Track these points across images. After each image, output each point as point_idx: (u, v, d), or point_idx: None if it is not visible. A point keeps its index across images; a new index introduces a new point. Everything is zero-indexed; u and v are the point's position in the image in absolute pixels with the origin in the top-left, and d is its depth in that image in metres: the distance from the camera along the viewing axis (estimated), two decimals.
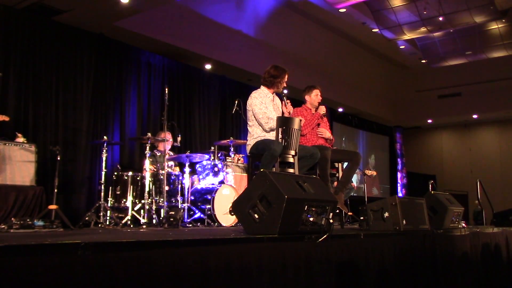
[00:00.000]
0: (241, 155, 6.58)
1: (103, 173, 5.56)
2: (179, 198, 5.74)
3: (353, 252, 2.81)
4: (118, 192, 5.58)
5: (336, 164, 4.77)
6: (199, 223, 5.78)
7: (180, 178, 5.88)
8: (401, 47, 11.66)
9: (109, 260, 1.67)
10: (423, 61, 12.20)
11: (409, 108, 14.32)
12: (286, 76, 4.46)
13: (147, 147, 5.53)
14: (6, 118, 5.02)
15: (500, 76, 12.10)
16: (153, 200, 5.55)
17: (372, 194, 13.30)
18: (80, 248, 1.62)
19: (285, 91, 4.46)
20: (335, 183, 4.69)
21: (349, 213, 6.15)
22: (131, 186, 5.59)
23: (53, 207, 4.86)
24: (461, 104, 13.50)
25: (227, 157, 6.29)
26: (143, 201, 5.46)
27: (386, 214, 3.51)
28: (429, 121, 14.92)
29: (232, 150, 6.36)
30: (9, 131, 5.59)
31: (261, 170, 3.37)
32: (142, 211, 5.44)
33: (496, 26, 9.93)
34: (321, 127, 4.94)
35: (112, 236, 2.73)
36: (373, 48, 11.53)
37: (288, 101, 4.41)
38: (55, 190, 5.08)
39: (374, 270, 2.93)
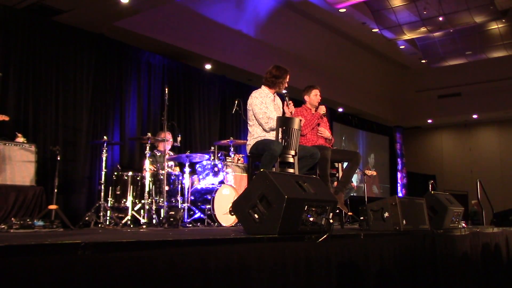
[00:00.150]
0: (241, 155, 6.58)
1: (103, 173, 5.56)
2: (179, 198, 5.74)
3: (353, 252, 2.81)
4: (118, 192, 5.58)
5: (336, 164, 4.77)
6: (199, 223, 5.78)
7: (180, 178, 5.88)
8: (401, 47, 11.66)
9: (109, 260, 1.67)
10: (423, 61, 12.20)
11: (409, 108, 14.32)
12: (288, 77, 4.46)
13: (147, 147, 5.53)
14: (6, 118, 5.02)
15: (500, 76, 12.10)
16: (153, 200, 5.56)
17: (372, 194, 13.30)
18: (80, 248, 1.62)
19: (285, 91, 4.46)
20: (335, 183, 4.69)
21: (349, 213, 6.14)
22: (131, 186, 5.59)
23: (53, 207, 4.86)
24: (461, 104, 13.50)
25: (227, 157, 6.29)
26: (143, 201, 5.46)
27: (386, 214, 3.51)
28: (429, 121, 14.92)
29: (232, 150, 6.36)
30: (9, 131, 5.59)
31: (261, 170, 3.37)
32: (142, 211, 5.44)
33: (496, 26, 9.92)
34: (321, 127, 4.94)
35: (112, 236, 2.73)
36: (373, 48, 11.53)
37: (291, 101, 4.41)
38: (55, 190, 5.08)
39: (374, 270, 2.93)
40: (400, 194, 14.41)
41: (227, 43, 8.67)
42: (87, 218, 5.15)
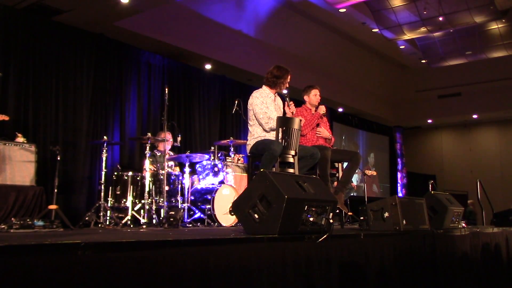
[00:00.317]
0: (241, 155, 6.58)
1: (103, 173, 5.56)
2: (179, 198, 5.74)
3: (353, 252, 2.81)
4: (118, 192, 5.58)
5: (336, 164, 4.77)
6: (199, 223, 5.78)
7: (180, 178, 5.88)
8: (401, 47, 11.65)
9: (109, 260, 1.67)
10: (423, 61, 12.19)
11: (409, 108, 14.31)
12: (289, 77, 4.46)
13: (147, 147, 5.53)
14: (6, 118, 5.02)
15: (500, 76, 12.10)
16: (153, 200, 5.55)
17: (372, 193, 13.30)
18: (80, 248, 1.62)
19: (285, 91, 4.46)
20: (335, 183, 4.69)
21: (349, 213, 6.14)
22: (131, 186, 5.59)
23: (53, 207, 4.86)
24: (461, 104, 13.49)
25: (227, 157, 6.29)
26: (143, 201, 5.46)
27: (386, 214, 3.51)
28: (429, 121, 14.91)
29: (232, 150, 6.36)
30: (9, 131, 5.60)
31: (261, 170, 3.37)
32: (142, 211, 5.44)
33: (496, 26, 9.92)
34: (321, 127, 4.94)
35: (112, 236, 2.73)
36: (373, 48, 11.53)
37: (292, 102, 4.41)
38: (55, 190, 5.08)
39: (374, 270, 2.93)
40: (400, 194, 14.41)
41: (227, 43, 8.66)
42: (87, 218, 5.15)
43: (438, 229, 3.96)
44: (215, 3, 8.11)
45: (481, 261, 4.34)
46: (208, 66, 8.80)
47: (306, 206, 2.70)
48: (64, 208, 5.40)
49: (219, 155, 6.22)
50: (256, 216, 2.63)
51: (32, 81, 6.22)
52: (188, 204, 5.69)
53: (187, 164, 5.84)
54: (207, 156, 6.17)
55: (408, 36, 10.12)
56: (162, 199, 5.57)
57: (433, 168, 15.25)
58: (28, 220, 4.16)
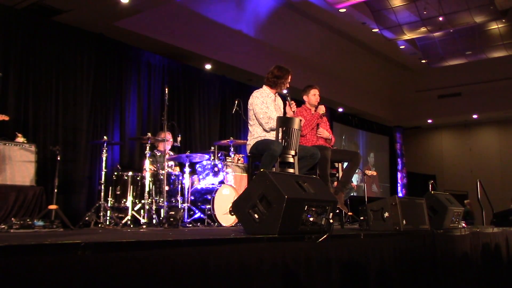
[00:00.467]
0: (241, 155, 6.57)
1: (103, 173, 5.56)
2: (179, 198, 5.74)
3: (353, 252, 2.81)
4: (118, 192, 5.58)
5: (336, 164, 4.77)
6: (199, 223, 5.78)
7: (180, 178, 5.87)
8: (401, 47, 11.65)
9: (109, 260, 1.67)
10: (423, 61, 12.19)
11: (409, 108, 14.31)
12: (290, 77, 4.46)
13: (147, 147, 5.53)
14: (6, 118, 5.02)
15: (500, 76, 12.10)
16: (153, 200, 5.55)
17: (372, 193, 13.30)
18: (80, 248, 1.62)
19: (285, 91, 4.46)
20: (335, 183, 4.69)
21: (349, 213, 6.14)
22: (131, 186, 5.59)
23: (53, 207, 4.86)
24: (461, 104, 13.49)
25: (227, 157, 6.29)
26: (143, 201, 5.46)
27: (386, 214, 3.51)
28: (429, 121, 14.91)
29: (232, 150, 6.36)
30: (9, 131, 5.60)
31: (261, 170, 3.37)
32: (142, 211, 5.44)
33: (496, 26, 9.92)
34: (321, 127, 4.94)
35: (112, 236, 2.73)
36: (373, 48, 11.53)
37: (293, 102, 4.41)
38: (55, 190, 5.08)
39: (374, 270, 2.93)
40: (400, 194, 14.41)
41: (227, 43, 8.66)
42: (87, 218, 5.15)
43: (438, 229, 3.96)
44: (215, 3, 8.11)
45: (481, 261, 4.34)
46: (208, 66, 8.80)
47: (306, 206, 2.70)
48: (64, 208, 5.40)
49: (219, 155, 6.22)
50: (256, 216, 2.63)
51: (32, 81, 6.22)
52: (188, 204, 5.69)
53: (187, 164, 5.84)
54: (207, 156, 6.17)
55: (408, 36, 10.11)
56: (162, 199, 5.57)
57: (433, 168, 15.26)
58: (28, 220, 4.16)
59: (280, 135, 4.07)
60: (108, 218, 5.36)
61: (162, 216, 5.45)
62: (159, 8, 7.15)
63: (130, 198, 5.54)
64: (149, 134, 5.68)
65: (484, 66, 11.99)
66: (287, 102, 4.44)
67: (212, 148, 6.28)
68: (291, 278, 2.32)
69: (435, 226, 4.04)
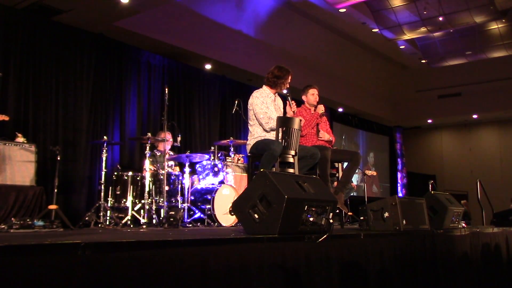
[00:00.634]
0: (241, 155, 6.58)
1: (103, 173, 5.56)
2: (179, 198, 5.74)
3: (353, 252, 2.81)
4: (118, 192, 5.58)
5: (336, 164, 4.77)
6: (199, 223, 5.78)
7: (180, 178, 5.88)
8: (401, 47, 11.65)
9: (109, 260, 1.67)
10: (423, 61, 12.19)
11: (409, 108, 14.31)
12: (290, 77, 4.47)
13: (147, 147, 5.53)
14: (6, 118, 5.02)
15: (500, 76, 12.10)
16: (153, 200, 5.55)
17: (372, 193, 13.30)
18: (80, 248, 1.62)
19: (285, 91, 4.47)
20: (335, 183, 4.69)
21: (349, 213, 6.15)
22: (131, 186, 5.59)
23: (53, 207, 4.86)
24: (461, 104, 13.49)
25: (227, 157, 6.29)
26: (143, 201, 5.46)
27: (386, 214, 3.51)
28: (429, 121, 14.92)
29: (232, 150, 6.36)
30: (9, 131, 5.60)
31: (261, 170, 3.37)
32: (142, 211, 5.44)
33: (496, 26, 9.92)
34: (321, 126, 4.94)
35: (112, 236, 2.73)
36: (373, 48, 11.53)
37: (293, 101, 4.41)
38: (55, 190, 5.08)
39: (374, 270, 2.93)
40: (400, 194, 14.41)
41: (227, 43, 8.66)
42: (87, 218, 5.16)
43: (438, 229, 3.96)
44: (215, 3, 8.11)
45: (481, 261, 4.34)
46: (208, 66, 8.80)
47: (306, 206, 2.70)
48: (64, 208, 5.40)
49: (219, 155, 6.22)
50: (256, 216, 2.63)
51: (32, 81, 6.22)
52: (188, 204, 5.69)
53: (187, 164, 5.84)
54: (207, 156, 6.17)
55: (408, 36, 10.12)
56: (162, 199, 5.57)
57: (433, 168, 15.25)
58: (28, 220, 4.16)
59: (280, 135, 4.07)
60: (108, 218, 5.36)
61: (162, 216, 5.45)
62: (159, 8, 7.15)
63: (130, 198, 5.54)
64: (149, 134, 5.68)
65: (484, 66, 11.99)
66: (287, 102, 4.44)
67: (212, 148, 6.28)
68: (291, 278, 2.32)
69: (435, 226, 4.04)
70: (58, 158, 5.20)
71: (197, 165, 6.38)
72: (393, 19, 9.18)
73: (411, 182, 14.95)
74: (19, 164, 5.21)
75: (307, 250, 2.46)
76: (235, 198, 3.61)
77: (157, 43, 7.70)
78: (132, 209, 5.44)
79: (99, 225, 5.20)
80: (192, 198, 5.93)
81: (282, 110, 4.56)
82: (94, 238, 2.06)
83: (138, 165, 6.85)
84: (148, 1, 6.59)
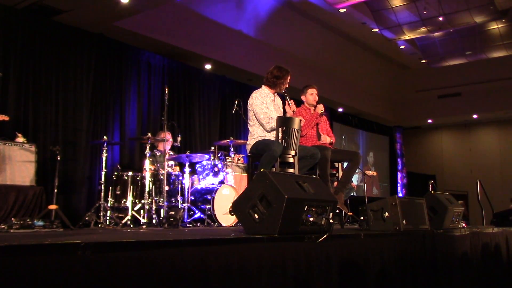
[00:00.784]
0: (241, 155, 6.58)
1: (103, 173, 5.56)
2: (179, 198, 5.74)
3: (353, 252, 2.81)
4: (118, 192, 5.58)
5: (336, 164, 4.77)
6: (199, 223, 5.78)
7: (180, 178, 5.87)
8: (401, 47, 11.65)
9: (109, 260, 1.67)
10: (423, 61, 12.19)
11: (409, 108, 14.32)
12: (289, 77, 4.46)
13: (147, 147, 5.53)
14: (6, 118, 5.02)
15: (500, 76, 12.10)
16: (153, 200, 5.55)
17: (372, 194, 13.30)
18: (80, 248, 1.62)
19: (284, 91, 4.46)
20: (335, 183, 4.69)
21: (349, 213, 6.14)
22: (131, 186, 5.58)
23: (53, 207, 4.86)
24: (461, 104, 13.49)
25: (227, 157, 6.29)
26: (143, 201, 5.45)
27: (386, 214, 3.51)
28: (429, 121, 14.92)
29: (232, 150, 6.36)
30: (9, 131, 5.59)
31: (261, 170, 3.37)
32: (142, 211, 5.44)
33: (496, 26, 9.92)
34: (321, 126, 4.95)
35: (112, 236, 2.73)
36: (373, 48, 11.53)
37: (292, 101, 4.41)
38: (55, 190, 5.08)
39: (374, 270, 2.93)
40: (400, 194, 14.41)
41: (227, 43, 8.66)
42: (87, 218, 5.15)
43: (438, 229, 3.96)
44: (215, 3, 8.11)
45: (481, 261, 4.34)
46: (208, 66, 8.80)
47: (306, 206, 2.70)
48: (64, 208, 5.40)
49: (219, 155, 6.22)
50: (256, 216, 2.63)
51: (32, 81, 6.22)
52: (188, 204, 5.69)
53: (187, 164, 5.84)
54: (207, 156, 6.17)
55: (408, 36, 10.11)
56: (162, 199, 5.57)
57: (433, 168, 15.25)
58: (28, 220, 4.16)
59: (280, 135, 4.07)
60: (108, 218, 5.36)
61: (162, 216, 5.45)
62: (159, 8, 7.15)
63: (130, 198, 5.54)
64: (149, 134, 5.68)
65: (484, 66, 11.99)
66: (286, 102, 4.44)
67: (212, 148, 6.28)
68: (291, 278, 2.32)
69: (435, 226, 4.04)
70: (58, 158, 5.20)
71: (197, 165, 6.38)
72: (393, 19, 9.18)
73: (411, 182, 14.95)
74: (19, 164, 5.21)
75: (307, 250, 2.46)
76: (235, 198, 3.61)
77: (157, 43, 7.70)
78: (132, 209, 5.44)
79: (99, 225, 5.20)
80: (192, 198, 5.93)
81: (281, 110, 4.56)
82: (94, 238, 2.06)
83: (138, 165, 6.85)
84: (148, 1, 6.59)
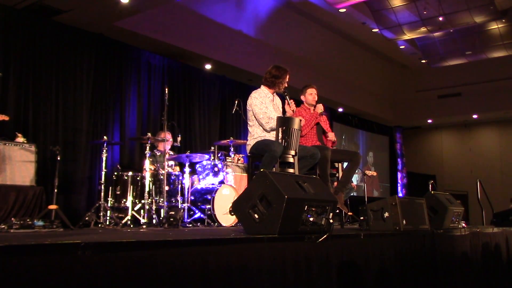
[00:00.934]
0: (241, 155, 6.57)
1: (103, 173, 5.56)
2: (179, 198, 5.74)
3: (353, 252, 2.81)
4: (118, 192, 5.58)
5: (336, 164, 4.77)
6: (199, 223, 5.78)
7: (180, 178, 5.87)
8: (401, 47, 11.65)
9: (109, 260, 1.68)
10: (423, 61, 12.19)
11: (409, 108, 14.32)
12: (288, 77, 4.46)
13: (147, 147, 5.53)
14: (6, 118, 5.01)
15: (500, 76, 12.10)
16: (153, 200, 5.55)
17: (372, 195, 13.30)
18: (80, 248, 1.62)
19: (284, 91, 4.46)
20: (335, 183, 4.69)
21: (349, 213, 6.14)
22: (131, 186, 5.58)
23: (53, 207, 4.86)
24: (461, 104, 13.49)
25: (227, 157, 6.29)
26: (143, 201, 5.45)
27: (386, 214, 3.51)
28: (429, 121, 14.92)
29: (232, 150, 6.36)
30: (9, 131, 5.59)
31: (261, 170, 3.37)
32: (142, 211, 5.44)
33: (496, 26, 9.92)
34: (322, 125, 4.95)
35: (112, 236, 2.73)
36: (373, 48, 11.53)
37: (292, 100, 4.41)
38: (55, 190, 5.08)
39: (374, 270, 2.93)
40: (400, 194, 14.41)
41: (227, 43, 8.66)
42: (87, 218, 5.15)
43: (438, 229, 3.96)
44: (215, 3, 8.11)
45: (481, 261, 4.34)
46: (208, 66, 8.80)
47: (306, 206, 2.70)
48: (64, 208, 5.40)
49: (219, 155, 6.22)
50: (256, 216, 2.63)
51: (32, 81, 6.22)
52: (188, 204, 5.69)
53: (187, 164, 5.84)
54: (207, 156, 6.17)
55: (408, 36, 10.11)
56: (162, 199, 5.57)
57: (433, 168, 15.25)
58: (28, 220, 4.16)
59: (280, 135, 4.07)
60: (108, 218, 5.36)
61: (162, 216, 5.45)
62: (159, 8, 7.15)
63: (130, 198, 5.54)
64: (149, 134, 5.68)
65: (484, 66, 11.99)
66: (286, 101, 4.43)
67: (212, 148, 6.28)
68: (291, 278, 2.32)
69: (435, 226, 4.04)
70: (58, 158, 5.20)
71: (197, 165, 6.38)
72: (393, 19, 9.18)
73: (411, 182, 14.95)
74: (19, 164, 5.21)
75: (307, 250, 2.46)
76: (235, 198, 3.61)
77: (157, 43, 7.70)
78: (132, 209, 5.44)
79: (99, 225, 5.20)
80: (192, 198, 5.92)
81: (280, 109, 4.56)
82: (94, 238, 2.06)
83: (138, 165, 6.85)
84: (148, 1, 6.59)
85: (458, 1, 8.48)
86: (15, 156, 5.19)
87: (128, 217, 5.34)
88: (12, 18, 6.14)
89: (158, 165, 6.04)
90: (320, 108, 4.90)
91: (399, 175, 14.94)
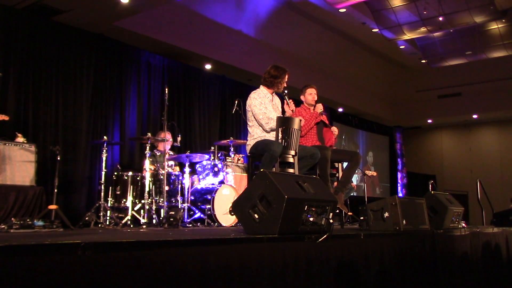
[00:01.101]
0: (241, 155, 6.58)
1: (103, 173, 5.56)
2: (179, 198, 5.74)
3: (353, 252, 2.82)
4: (118, 192, 5.58)
5: (336, 164, 4.77)
6: (199, 223, 5.78)
7: (180, 178, 5.88)
8: (401, 47, 11.65)
9: (109, 260, 1.68)
10: (423, 61, 12.19)
11: (409, 108, 14.32)
12: (287, 76, 4.45)
13: (147, 147, 5.53)
14: (6, 118, 5.02)
15: (500, 76, 12.10)
16: (153, 200, 5.55)
17: (372, 195, 13.30)
18: (80, 248, 1.62)
19: (283, 91, 4.46)
20: (335, 183, 4.69)
21: (349, 213, 6.14)
22: (131, 186, 5.59)
23: (53, 207, 4.86)
24: (461, 104, 13.49)
25: (227, 157, 6.29)
26: (143, 201, 5.46)
27: (386, 214, 3.51)
28: (429, 121, 14.92)
29: (232, 150, 6.36)
30: (9, 131, 5.59)
31: (261, 170, 3.37)
32: (142, 211, 5.44)
33: (496, 26, 9.91)
34: (331, 127, 4.96)
35: (112, 236, 2.73)
36: (373, 48, 11.52)
37: (291, 100, 4.40)
38: (55, 190, 5.08)
39: (374, 270, 2.93)
40: (400, 194, 14.41)
41: (227, 43, 8.66)
42: (87, 218, 5.15)
43: (438, 229, 3.96)
44: (215, 3, 8.11)
45: (481, 261, 4.34)
46: (208, 66, 8.80)
47: (306, 206, 2.70)
48: (64, 208, 5.40)
49: (219, 155, 6.22)
50: (256, 216, 2.63)
51: (32, 81, 6.22)
52: (188, 204, 5.69)
53: (187, 164, 5.84)
54: (207, 156, 6.17)
55: (408, 36, 10.10)
56: (162, 199, 5.57)
57: (433, 168, 15.26)
58: (28, 220, 4.16)
59: (280, 135, 4.07)
60: (108, 218, 5.36)
61: (162, 216, 5.45)
62: (159, 8, 7.15)
63: (130, 198, 5.54)
64: (149, 134, 5.68)
65: (484, 66, 11.99)
66: (285, 101, 4.43)
67: (212, 148, 6.28)
68: (291, 278, 2.32)
69: (435, 226, 4.04)
70: (58, 158, 5.20)
71: (197, 165, 6.38)
72: (393, 19, 9.18)
73: (411, 182, 14.95)
74: (19, 164, 5.21)
75: (307, 250, 2.46)
76: (235, 198, 3.61)
77: (157, 43, 7.70)
78: (132, 209, 5.44)
79: (99, 225, 5.20)
80: (192, 198, 5.93)
81: (280, 109, 4.56)
82: (94, 238, 2.06)
83: (138, 165, 6.85)
84: (148, 1, 6.59)
85: (458, 1, 8.47)
86: (15, 156, 5.19)
87: (128, 217, 5.34)
88: (12, 18, 6.14)
89: (158, 165, 6.04)
90: (319, 108, 4.90)
91: (399, 175, 14.94)
